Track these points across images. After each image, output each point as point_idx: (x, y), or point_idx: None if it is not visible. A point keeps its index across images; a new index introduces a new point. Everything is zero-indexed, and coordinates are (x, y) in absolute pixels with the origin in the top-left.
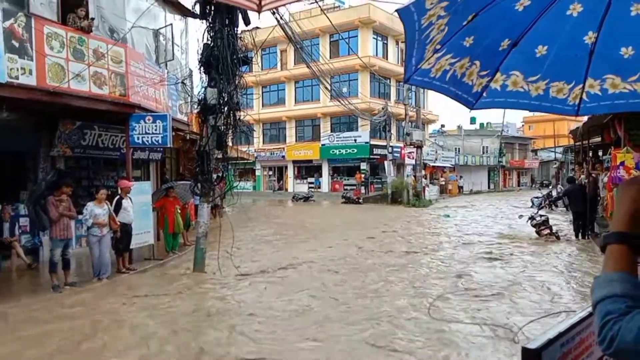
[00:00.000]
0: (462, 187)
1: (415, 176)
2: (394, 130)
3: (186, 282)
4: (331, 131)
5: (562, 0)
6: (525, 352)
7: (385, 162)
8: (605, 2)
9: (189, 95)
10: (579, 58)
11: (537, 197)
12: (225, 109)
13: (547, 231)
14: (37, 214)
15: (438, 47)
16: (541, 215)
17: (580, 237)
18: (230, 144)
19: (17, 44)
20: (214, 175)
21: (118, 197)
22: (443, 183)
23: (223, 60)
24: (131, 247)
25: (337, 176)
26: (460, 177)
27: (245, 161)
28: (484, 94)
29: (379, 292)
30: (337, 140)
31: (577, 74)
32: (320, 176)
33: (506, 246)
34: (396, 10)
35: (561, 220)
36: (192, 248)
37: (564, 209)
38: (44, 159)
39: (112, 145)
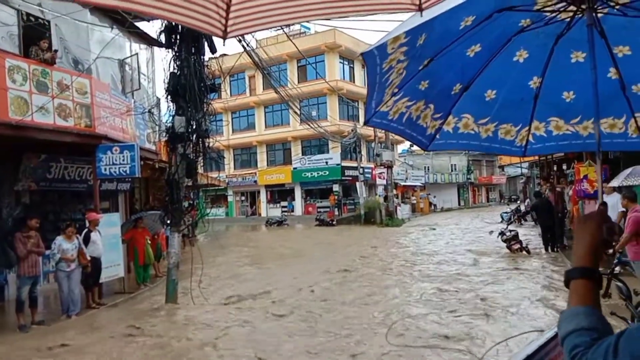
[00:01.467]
0: (435, 205)
1: (386, 196)
2: (364, 152)
3: (159, 316)
4: (302, 154)
5: (510, 47)
6: None
7: (357, 183)
8: (549, 49)
9: (156, 124)
10: (525, 101)
11: (506, 212)
12: (194, 136)
13: (517, 246)
14: (4, 251)
15: (396, 90)
16: (511, 230)
17: (549, 250)
18: (200, 171)
19: None
20: (185, 204)
21: (86, 230)
22: (414, 202)
23: (190, 88)
24: (101, 281)
25: (310, 199)
26: (434, 197)
27: (217, 187)
28: (437, 136)
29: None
30: (308, 163)
31: (524, 117)
32: (293, 199)
33: (478, 261)
34: (361, 54)
35: (531, 234)
36: (164, 279)
37: (533, 222)
38: (8, 193)
39: (79, 178)
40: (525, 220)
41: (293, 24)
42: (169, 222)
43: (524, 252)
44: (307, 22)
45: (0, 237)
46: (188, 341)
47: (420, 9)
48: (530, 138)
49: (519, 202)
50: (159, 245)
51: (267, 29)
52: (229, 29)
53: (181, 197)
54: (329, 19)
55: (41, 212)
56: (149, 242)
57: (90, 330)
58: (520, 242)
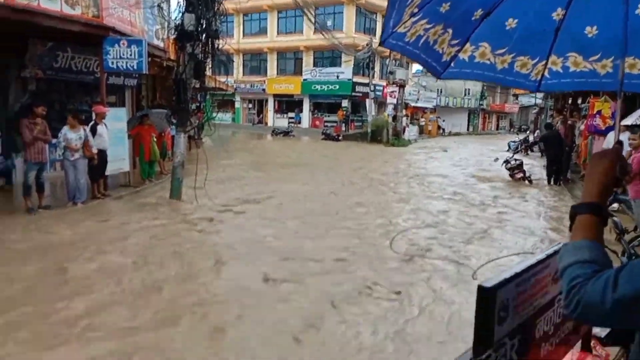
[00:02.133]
0: (444, 129)
1: (395, 115)
2: (377, 68)
3: (162, 210)
4: (314, 66)
5: None
6: (481, 290)
7: (367, 100)
8: None
9: (165, 21)
10: (546, 34)
11: (514, 142)
12: (204, 36)
13: (520, 175)
14: (11, 136)
15: (415, 10)
16: (516, 160)
17: (552, 182)
18: (209, 73)
19: None
20: (192, 105)
21: (93, 122)
22: (423, 123)
23: None
24: (106, 173)
25: (318, 112)
26: (443, 120)
27: (224, 92)
28: (452, 64)
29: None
30: (319, 76)
31: (542, 50)
32: (301, 111)
33: (479, 187)
34: None
35: (535, 165)
36: (169, 177)
37: (539, 154)
38: (15, 80)
39: (86, 69)
40: (532, 150)
41: None
42: (175, 121)
43: (526, 182)
44: None
45: (8, 122)
46: (188, 232)
47: None
48: (546, 73)
49: (528, 132)
50: (165, 143)
51: None
52: None
53: (188, 98)
54: None
55: (48, 101)
56: (155, 139)
57: (92, 218)
58: (523, 171)
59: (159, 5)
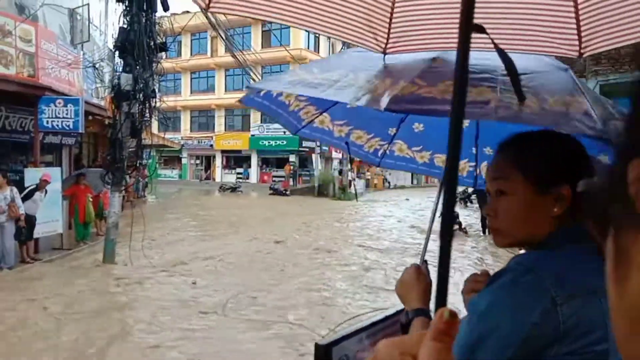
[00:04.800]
0: (389, 182)
1: (341, 170)
2: None
3: (93, 275)
4: (261, 122)
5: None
6: (317, 347)
7: (313, 155)
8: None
9: (100, 80)
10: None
11: None
12: (141, 95)
13: (457, 227)
14: None
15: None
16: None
17: (487, 233)
18: (155, 131)
19: None
20: (131, 163)
21: (34, 186)
22: (369, 177)
23: (139, 45)
24: (36, 236)
25: (266, 167)
26: (389, 173)
27: (171, 148)
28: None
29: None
30: (267, 131)
31: (386, 134)
32: (249, 167)
33: (414, 237)
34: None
35: (474, 216)
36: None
37: (477, 205)
38: None
39: (21, 128)
40: (471, 202)
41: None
42: (109, 181)
43: (462, 233)
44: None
45: None
46: (113, 298)
47: (384, 52)
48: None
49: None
50: (101, 203)
51: (249, 17)
52: (211, 5)
53: (124, 157)
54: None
55: None
56: (91, 199)
57: (19, 285)
58: (459, 223)
59: (94, 65)
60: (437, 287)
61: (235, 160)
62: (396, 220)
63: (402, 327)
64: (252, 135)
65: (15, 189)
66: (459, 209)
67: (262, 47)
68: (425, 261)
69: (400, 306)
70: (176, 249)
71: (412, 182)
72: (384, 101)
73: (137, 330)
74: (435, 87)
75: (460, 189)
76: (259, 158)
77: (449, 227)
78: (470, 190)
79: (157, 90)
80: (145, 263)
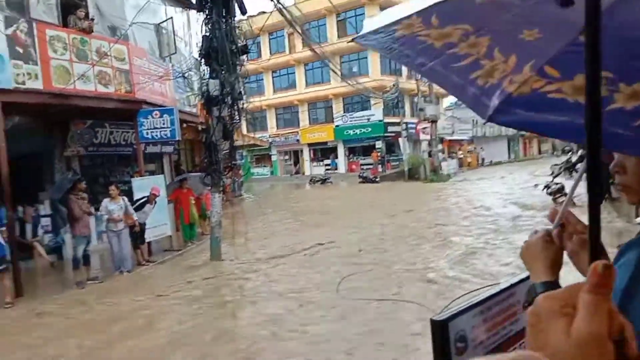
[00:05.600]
0: (483, 159)
1: (430, 151)
2: (407, 107)
3: (205, 271)
4: (344, 111)
5: None
6: (433, 323)
7: (400, 139)
8: None
9: (190, 89)
10: None
11: (556, 165)
12: (229, 98)
13: (563, 198)
14: (58, 210)
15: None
16: (556, 183)
17: (606, 200)
18: (244, 131)
19: (21, 50)
20: (224, 166)
21: (145, 199)
22: (462, 156)
23: (222, 51)
24: (147, 240)
25: (353, 156)
26: (482, 149)
27: (261, 147)
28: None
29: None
30: (350, 121)
31: None
32: (336, 157)
33: (521, 216)
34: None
35: (580, 185)
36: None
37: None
38: (59, 159)
39: (124, 142)
40: (576, 171)
41: None
42: (208, 183)
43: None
44: None
45: (55, 200)
46: (226, 291)
47: None
48: None
49: (570, 153)
50: (203, 205)
51: None
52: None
53: (219, 159)
54: None
55: (91, 176)
56: (193, 202)
57: (138, 285)
58: (565, 194)
59: (183, 76)
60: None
61: (322, 152)
62: (497, 197)
63: (529, 302)
64: (337, 126)
65: (126, 199)
66: (563, 179)
67: (338, 37)
68: (562, 225)
69: (515, 279)
70: (277, 241)
71: (508, 157)
72: (491, 106)
73: (254, 318)
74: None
75: (563, 158)
76: (345, 148)
77: (597, 190)
78: (574, 159)
79: (243, 92)
80: (250, 257)
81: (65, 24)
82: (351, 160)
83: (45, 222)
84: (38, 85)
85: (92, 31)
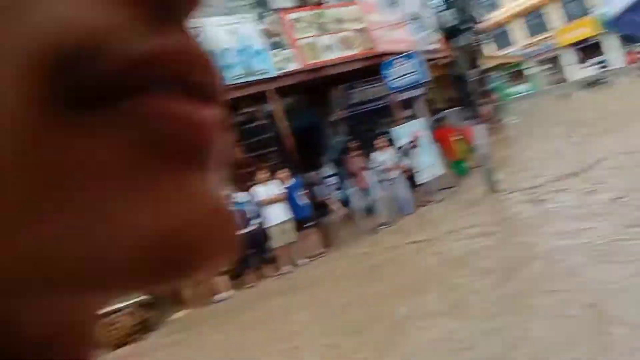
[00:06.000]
0: None
1: None
2: None
3: (486, 203)
4: None
5: None
6: None
7: None
8: None
9: (426, 27)
10: None
11: None
12: (469, 24)
13: None
14: (339, 168)
15: None
16: None
17: None
18: (490, 53)
19: (273, 40)
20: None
21: (408, 145)
22: None
23: None
24: (423, 181)
25: (630, 45)
26: None
27: (511, 64)
28: None
29: None
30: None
31: None
32: (605, 52)
33: None
34: None
35: None
36: (481, 170)
37: None
38: (327, 126)
39: (376, 96)
40: None
41: None
42: (467, 117)
43: None
44: None
45: (334, 160)
46: (514, 222)
47: None
48: None
49: None
50: (467, 139)
51: None
52: None
53: (470, 90)
54: None
55: (357, 133)
56: (457, 138)
57: (424, 225)
58: None
59: (414, 18)
60: None
61: (584, 50)
62: None
63: None
64: (602, 14)
65: (393, 149)
66: None
67: None
68: None
69: None
70: (555, 163)
71: None
72: None
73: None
74: None
75: None
76: (619, 36)
77: None
78: None
79: (478, 13)
80: (529, 183)
81: (300, 4)
82: (628, 50)
83: (331, 181)
84: (295, 66)
85: (322, 2)
